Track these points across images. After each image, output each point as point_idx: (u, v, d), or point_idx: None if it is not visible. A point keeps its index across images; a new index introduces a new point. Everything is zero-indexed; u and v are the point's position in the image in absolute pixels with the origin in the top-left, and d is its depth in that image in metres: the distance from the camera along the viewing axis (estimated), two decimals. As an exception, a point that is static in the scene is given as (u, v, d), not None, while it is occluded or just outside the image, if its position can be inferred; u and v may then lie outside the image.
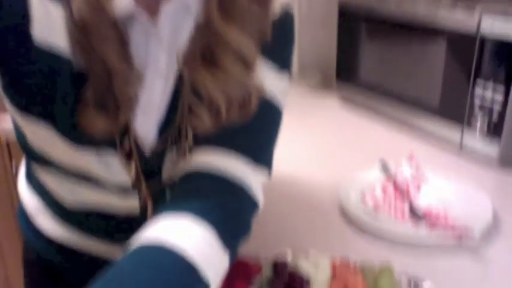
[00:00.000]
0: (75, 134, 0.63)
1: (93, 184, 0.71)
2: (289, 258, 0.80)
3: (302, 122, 1.41)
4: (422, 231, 0.91)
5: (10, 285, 1.81)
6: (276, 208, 0.99)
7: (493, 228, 0.92)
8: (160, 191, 0.74)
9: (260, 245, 0.84)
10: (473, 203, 0.98)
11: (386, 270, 0.75)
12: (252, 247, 0.80)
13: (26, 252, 0.93)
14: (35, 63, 0.58)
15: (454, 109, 1.18)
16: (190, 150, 0.69)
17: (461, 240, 0.87)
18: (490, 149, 1.12)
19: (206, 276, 0.56)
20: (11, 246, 1.66)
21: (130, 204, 0.74)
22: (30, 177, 0.84)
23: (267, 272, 0.77)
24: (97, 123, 0.61)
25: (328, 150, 1.27)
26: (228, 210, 0.63)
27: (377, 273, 0.76)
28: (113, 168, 0.68)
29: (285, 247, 0.84)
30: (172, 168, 0.72)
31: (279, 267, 0.78)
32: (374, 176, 1.09)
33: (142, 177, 0.70)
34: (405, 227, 0.93)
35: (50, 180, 0.76)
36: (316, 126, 1.40)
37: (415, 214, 0.96)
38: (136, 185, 0.71)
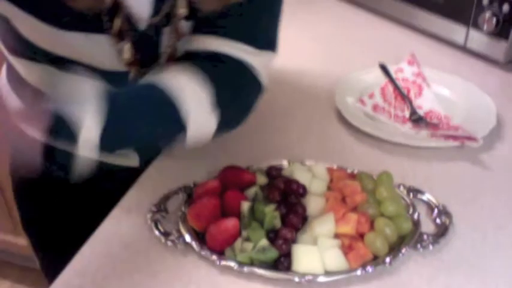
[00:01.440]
0: (59, 15, 0.59)
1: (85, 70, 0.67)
2: (284, 168, 0.77)
3: (296, 19, 1.32)
4: (423, 133, 0.88)
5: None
6: (268, 114, 0.94)
7: (495, 133, 0.88)
8: None
9: (253, 157, 0.80)
10: (477, 106, 0.94)
11: (385, 178, 0.73)
12: (245, 159, 0.76)
13: None
14: None
15: (459, 7, 1.11)
16: (190, 33, 0.67)
17: (463, 143, 0.83)
18: (496, 50, 1.07)
19: (184, 120, 0.59)
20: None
21: None
22: (12, 80, 0.78)
23: (261, 179, 0.74)
24: None
25: (324, 49, 1.20)
26: (226, 81, 0.64)
27: (375, 181, 0.73)
28: (104, 53, 0.64)
29: (280, 158, 0.80)
30: (168, 52, 0.70)
31: (273, 172, 0.75)
32: (373, 78, 1.03)
33: (136, 63, 0.67)
34: (405, 129, 0.90)
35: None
36: (312, 24, 1.32)
37: (416, 118, 0.92)
38: (130, 71, 0.67)
